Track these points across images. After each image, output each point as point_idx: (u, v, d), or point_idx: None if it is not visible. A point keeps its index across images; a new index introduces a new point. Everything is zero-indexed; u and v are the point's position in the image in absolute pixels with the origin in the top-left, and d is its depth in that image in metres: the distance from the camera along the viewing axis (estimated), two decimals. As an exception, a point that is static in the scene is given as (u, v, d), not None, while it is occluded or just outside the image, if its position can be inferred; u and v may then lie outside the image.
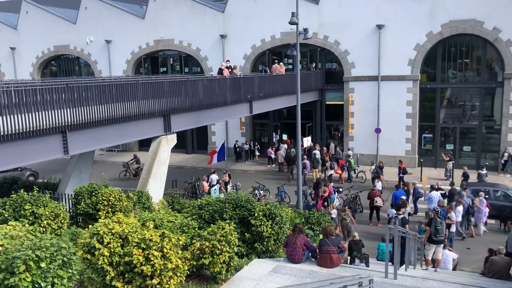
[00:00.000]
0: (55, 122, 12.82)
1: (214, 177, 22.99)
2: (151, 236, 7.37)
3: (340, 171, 27.20)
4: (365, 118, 30.70)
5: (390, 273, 9.23)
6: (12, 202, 10.94)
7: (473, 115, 29.25)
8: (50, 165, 21.51)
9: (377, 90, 30.04)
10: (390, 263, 12.08)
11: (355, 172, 27.68)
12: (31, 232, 6.39)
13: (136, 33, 37.15)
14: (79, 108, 13.56)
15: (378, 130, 30.18)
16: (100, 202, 12.64)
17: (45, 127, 12.55)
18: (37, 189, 11.72)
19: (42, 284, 5.24)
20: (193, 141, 37.13)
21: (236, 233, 9.37)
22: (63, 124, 13.09)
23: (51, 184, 18.95)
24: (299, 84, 18.34)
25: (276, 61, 30.32)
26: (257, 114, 26.21)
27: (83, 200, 12.86)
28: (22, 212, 10.71)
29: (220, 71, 23.16)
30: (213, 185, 22.13)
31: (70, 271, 5.60)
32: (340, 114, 32.25)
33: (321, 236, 10.83)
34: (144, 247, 7.28)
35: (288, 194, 23.56)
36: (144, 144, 37.75)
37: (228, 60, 25.51)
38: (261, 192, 22.85)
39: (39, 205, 11.00)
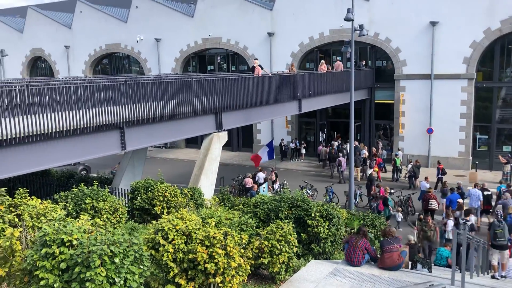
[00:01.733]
0: (113, 118, 13.09)
1: (262, 175, 22.92)
2: (215, 234, 7.33)
3: (377, 169, 26.50)
4: (416, 118, 29.77)
5: (457, 280, 8.80)
6: (73, 195, 11.22)
7: (533, 115, 27.79)
8: (100, 160, 22.08)
9: (429, 89, 29.05)
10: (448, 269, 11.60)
11: (400, 172, 26.91)
12: (102, 227, 6.47)
13: (185, 31, 37.63)
14: (136, 104, 13.78)
15: (430, 131, 29.20)
16: (156, 198, 12.78)
17: (104, 123, 12.83)
18: (97, 183, 11.98)
19: (116, 279, 5.26)
20: (239, 138, 37.25)
21: (295, 233, 9.22)
22: (121, 120, 13.34)
23: (105, 179, 19.42)
24: (353, 82, 17.92)
25: (322, 60, 29.82)
26: (303, 113, 25.94)
27: (139, 195, 13.05)
28: (83, 205, 10.97)
29: (253, 68, 22.38)
30: (261, 184, 22.05)
31: (142, 267, 5.61)
32: (390, 113, 31.44)
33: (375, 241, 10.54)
34: (208, 244, 7.25)
35: (336, 194, 23.22)
36: (190, 142, 38.31)
37: (256, 59, 24.61)
38: (309, 191, 22.56)
39: (99, 199, 11.24)
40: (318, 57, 33.35)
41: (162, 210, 12.87)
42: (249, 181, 22.36)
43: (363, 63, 30.84)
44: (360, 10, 30.16)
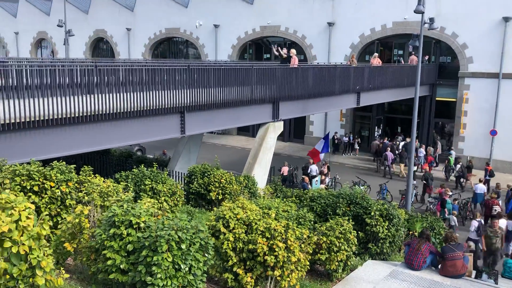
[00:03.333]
0: (175, 102, 13.21)
1: (314, 168, 22.62)
2: (276, 226, 7.19)
3: (427, 167, 25.44)
4: (479, 118, 28.33)
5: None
6: (133, 176, 11.42)
7: None
8: (155, 141, 22.53)
9: (496, 89, 27.51)
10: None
11: (453, 171, 25.78)
12: (168, 211, 6.48)
13: (244, 18, 37.56)
14: (197, 89, 13.84)
15: (493, 132, 27.71)
16: (212, 184, 12.84)
17: (166, 107, 12.97)
18: (156, 165, 12.15)
19: (182, 266, 5.23)
20: (290, 129, 36.94)
21: (355, 232, 8.94)
22: (182, 105, 13.45)
23: (161, 161, 19.79)
24: (419, 77, 17.20)
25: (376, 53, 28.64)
26: (358, 107, 25.24)
27: (196, 180, 13.16)
28: (143, 186, 11.14)
29: (289, 58, 19.31)
30: (313, 176, 21.76)
31: (206, 255, 5.56)
32: (451, 112, 30.11)
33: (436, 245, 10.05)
34: (269, 236, 7.12)
35: (390, 192, 22.57)
36: (242, 129, 38.43)
37: (292, 48, 22.54)
38: (361, 188, 22.02)
39: (158, 181, 11.39)
40: (379, 49, 32.33)
41: (217, 196, 12.93)
42: (285, 170, 22.59)
43: (426, 58, 29.61)
44: (427, 2, 28.86)
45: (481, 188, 20.36)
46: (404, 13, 29.96)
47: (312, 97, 19.12)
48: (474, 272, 9.72)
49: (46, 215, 6.09)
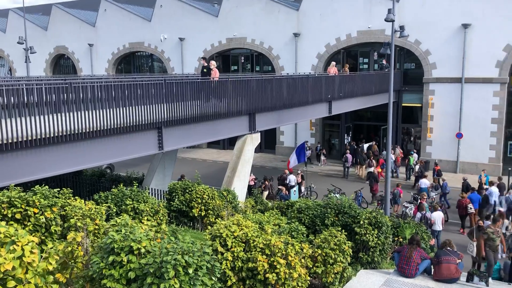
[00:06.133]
0: (152, 118, 12.83)
1: (293, 178, 22.52)
2: (276, 242, 6.98)
3: (380, 169, 26.23)
4: (445, 122, 29.12)
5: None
6: (113, 196, 10.96)
7: None
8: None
9: (459, 93, 28.39)
10: (504, 283, 11.10)
11: (413, 171, 26.67)
12: (167, 233, 6.15)
13: (209, 31, 37.41)
14: (173, 104, 13.52)
15: (459, 135, 28.53)
16: (194, 200, 12.50)
17: (142, 123, 12.58)
18: (137, 184, 11.72)
19: (190, 291, 4.94)
20: (261, 140, 36.72)
21: (349, 242, 8.83)
22: (159, 120, 13.08)
23: (134, 178, 19.22)
24: (392, 84, 17.48)
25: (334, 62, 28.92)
26: (327, 116, 25.45)
27: (176, 197, 12.78)
28: (124, 207, 10.70)
29: (208, 70, 17.27)
30: (292, 186, 21.66)
31: (213, 278, 5.28)
32: (417, 117, 30.84)
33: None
34: (269, 253, 6.91)
35: (365, 198, 22.80)
36: (213, 142, 37.98)
37: (212, 59, 20.41)
38: (337, 195, 22.10)
39: (139, 200, 10.97)
40: (344, 58, 32.85)
41: (200, 212, 12.59)
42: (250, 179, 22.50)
43: (384, 63, 30.22)
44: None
45: (425, 182, 22.25)
46: (368, 22, 30.61)
47: (287, 107, 19.10)
48: (465, 275, 9.77)
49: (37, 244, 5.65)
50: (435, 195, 21.73)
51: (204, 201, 12.60)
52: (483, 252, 12.49)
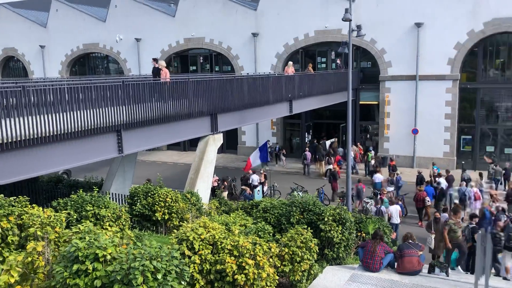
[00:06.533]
0: (110, 120, 12.49)
1: (256, 178, 22.53)
2: (244, 243, 6.93)
3: (336, 166, 26.96)
4: (401, 119, 29.97)
5: (480, 285, 8.63)
6: (73, 202, 10.58)
7: (516, 116, 28.36)
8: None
9: (414, 90, 29.30)
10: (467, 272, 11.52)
11: (373, 167, 27.37)
12: (133, 239, 5.98)
13: (166, 31, 36.90)
14: (133, 106, 13.21)
15: (415, 131, 29.43)
16: (157, 203, 12.26)
17: (101, 126, 12.22)
18: (97, 189, 11.36)
19: (159, 298, 4.81)
20: (224, 140, 36.58)
21: (316, 239, 8.90)
22: (118, 123, 12.75)
23: (93, 183, 18.66)
24: (350, 83, 17.77)
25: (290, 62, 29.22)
26: (288, 115, 25.68)
27: (138, 201, 12.49)
28: (84, 213, 10.35)
29: (158, 71, 16.60)
30: (255, 186, 21.67)
31: (183, 283, 5.17)
32: (375, 114, 31.59)
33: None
34: (237, 254, 6.85)
35: (327, 195, 23.15)
36: (173, 144, 37.46)
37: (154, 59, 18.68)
38: (300, 193, 22.31)
39: (100, 206, 10.63)
40: (303, 58, 33.25)
41: (163, 216, 12.36)
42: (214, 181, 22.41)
43: (338, 62, 30.87)
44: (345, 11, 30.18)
45: (379, 177, 23.09)
46: (325, 21, 31.07)
47: (249, 107, 19.09)
48: (427, 267, 10.06)
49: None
50: (392, 189, 22.33)
51: (167, 204, 12.38)
52: (448, 243, 12.81)
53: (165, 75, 16.11)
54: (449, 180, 21.77)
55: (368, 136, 33.21)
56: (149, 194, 12.55)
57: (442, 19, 27.94)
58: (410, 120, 29.67)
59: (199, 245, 6.92)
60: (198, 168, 16.61)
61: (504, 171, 23.82)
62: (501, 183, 23.68)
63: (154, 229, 12.71)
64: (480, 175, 22.57)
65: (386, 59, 30.03)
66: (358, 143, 30.99)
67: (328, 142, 30.80)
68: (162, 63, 16.97)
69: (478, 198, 19.53)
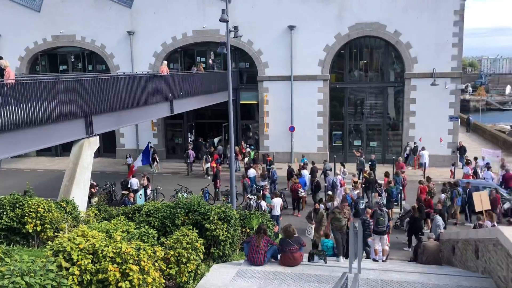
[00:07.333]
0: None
1: (135, 181, 21.79)
2: (127, 249, 6.63)
3: (215, 164, 27.69)
4: (279, 117, 31.32)
5: (353, 268, 9.38)
6: None
7: (378, 112, 31.34)
8: None
9: (290, 90, 30.81)
10: (336, 258, 12.38)
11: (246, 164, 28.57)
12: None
13: (31, 27, 33.91)
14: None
15: (292, 129, 30.97)
16: (27, 215, 11.18)
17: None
18: (-48, 204, 10.00)
19: (33, 317, 4.38)
20: (100, 143, 34.77)
21: (201, 239, 8.87)
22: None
23: None
24: (230, 83, 18.06)
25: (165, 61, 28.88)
26: (169, 115, 25.32)
27: (5, 213, 11.27)
28: None
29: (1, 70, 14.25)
30: (135, 190, 20.93)
31: (60, 297, 4.77)
32: (255, 113, 32.59)
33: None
34: (120, 261, 6.52)
35: (212, 194, 23.30)
36: (43, 149, 34.59)
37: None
38: (184, 194, 22.11)
39: (-43, 222, 9.40)
40: (183, 57, 33.04)
41: (35, 228, 11.31)
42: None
43: (210, 61, 31.43)
44: (222, 12, 30.58)
45: (253, 172, 24.12)
46: (203, 22, 31.19)
47: (127, 108, 18.37)
48: (307, 256, 10.63)
49: None
50: (265, 183, 23.10)
51: (39, 215, 11.34)
52: (328, 231, 13.54)
53: (8, 75, 13.93)
54: (313, 171, 23.91)
55: (251, 134, 34.10)
56: (18, 205, 11.40)
57: (312, 22, 29.77)
58: (287, 118, 31.13)
59: (77, 255, 6.45)
60: (73, 174, 15.52)
61: (370, 162, 26.22)
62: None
63: (25, 242, 11.60)
64: (342, 164, 25.04)
65: (263, 60, 31.10)
66: (242, 142, 31.72)
67: (216, 140, 31.29)
68: (3, 63, 14.59)
69: (343, 185, 21.89)
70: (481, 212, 16.05)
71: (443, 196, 19.18)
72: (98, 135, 16.92)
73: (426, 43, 28.46)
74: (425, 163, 27.16)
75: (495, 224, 15.02)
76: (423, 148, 28.13)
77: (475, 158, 26.26)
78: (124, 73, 27.05)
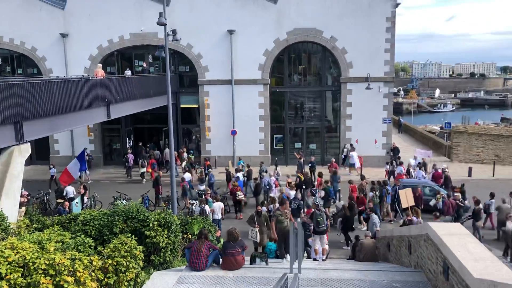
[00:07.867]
0: None
1: (71, 189, 20.92)
2: (61, 260, 6.36)
3: (150, 170, 27.85)
4: (221, 121, 31.30)
5: (294, 268, 9.54)
6: None
7: (317, 115, 32.15)
8: None
9: (231, 94, 30.87)
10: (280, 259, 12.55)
11: (194, 168, 28.51)
12: None
13: (-49, 28, 31.72)
14: None
15: (233, 132, 31.05)
16: (-50, 229, 10.43)
17: None
18: None
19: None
20: (32, 150, 33.08)
21: (140, 247, 8.67)
22: None
23: None
24: (169, 87, 17.82)
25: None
26: (106, 120, 24.60)
27: None
28: None
29: None
30: (71, 198, 20.10)
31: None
32: (196, 117, 32.36)
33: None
34: (53, 273, 6.26)
35: (152, 201, 22.85)
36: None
37: None
38: (123, 201, 21.52)
39: None
40: (120, 60, 32.21)
41: (-41, 242, 10.57)
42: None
43: (145, 65, 31.11)
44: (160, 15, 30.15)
45: (188, 176, 24.16)
46: (141, 25, 30.55)
47: (61, 113, 17.62)
48: (249, 259, 10.68)
49: None
50: (203, 187, 23.05)
51: (-37, 228, 10.64)
52: (274, 234, 13.51)
53: None
54: (249, 173, 24.62)
55: (194, 138, 33.81)
56: None
57: (252, 27, 30.06)
58: (229, 122, 31.17)
59: (6, 269, 6.12)
60: (1, 183, 14.63)
61: (310, 164, 26.87)
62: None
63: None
64: (275, 165, 26.04)
65: (203, 63, 30.98)
66: (184, 146, 31.42)
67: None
68: None
69: (277, 185, 22.76)
70: (407, 208, 17.03)
71: (371, 194, 20.09)
72: (29, 141, 16.08)
73: (360, 49, 29.58)
74: (354, 163, 28.37)
75: (421, 219, 15.92)
76: (352, 149, 29.29)
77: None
78: (57, 76, 26.00)
